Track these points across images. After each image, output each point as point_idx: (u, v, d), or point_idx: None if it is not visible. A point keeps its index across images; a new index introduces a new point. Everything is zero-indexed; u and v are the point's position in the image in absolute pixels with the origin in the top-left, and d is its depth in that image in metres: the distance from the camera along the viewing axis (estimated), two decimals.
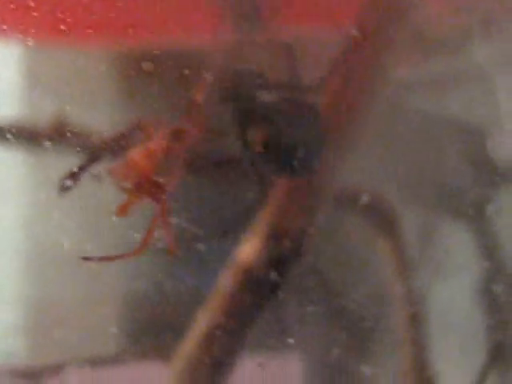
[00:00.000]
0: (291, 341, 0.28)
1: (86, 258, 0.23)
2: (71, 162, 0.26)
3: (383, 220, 0.29)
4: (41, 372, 0.29)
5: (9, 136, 0.26)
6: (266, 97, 0.24)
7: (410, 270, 0.29)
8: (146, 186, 0.24)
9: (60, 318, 0.28)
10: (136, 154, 0.24)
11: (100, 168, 0.25)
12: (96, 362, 0.28)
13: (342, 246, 0.28)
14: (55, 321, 0.28)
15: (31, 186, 0.27)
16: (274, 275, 0.26)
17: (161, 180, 0.24)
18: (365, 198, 0.28)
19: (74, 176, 0.25)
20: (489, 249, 0.28)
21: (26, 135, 0.26)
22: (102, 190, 0.25)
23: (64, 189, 0.25)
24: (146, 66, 0.24)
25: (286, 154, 0.23)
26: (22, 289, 0.29)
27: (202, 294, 0.26)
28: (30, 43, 0.28)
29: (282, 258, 0.26)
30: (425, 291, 0.29)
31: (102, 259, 0.23)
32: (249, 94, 0.24)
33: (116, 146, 0.25)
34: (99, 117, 0.26)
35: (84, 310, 0.28)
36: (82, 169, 0.25)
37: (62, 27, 0.27)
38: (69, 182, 0.25)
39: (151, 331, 0.27)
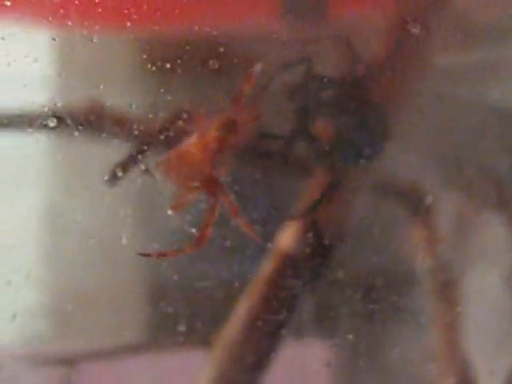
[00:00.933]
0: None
1: (143, 254, 0.23)
2: (115, 150, 0.26)
3: (419, 207, 0.29)
4: (67, 359, 0.29)
5: (51, 123, 0.26)
6: (328, 92, 0.24)
7: (442, 258, 0.29)
8: (201, 180, 0.23)
9: (90, 306, 0.28)
10: (190, 146, 0.23)
11: (150, 161, 0.24)
12: (128, 349, 0.29)
13: (378, 233, 0.29)
14: (84, 308, 0.28)
15: (77, 174, 0.27)
16: (313, 262, 0.26)
17: (215, 172, 0.23)
18: (404, 186, 0.28)
19: (123, 167, 0.24)
20: None
21: (66, 123, 0.26)
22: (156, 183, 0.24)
23: (113, 180, 0.25)
24: (213, 63, 0.24)
25: (352, 149, 0.24)
26: (53, 275, 0.29)
27: (243, 281, 0.26)
28: (65, 29, 0.29)
29: (321, 245, 0.26)
30: (457, 280, 0.30)
31: (159, 255, 0.23)
32: (312, 90, 0.24)
33: (164, 136, 0.24)
34: (137, 104, 0.26)
35: (116, 298, 0.28)
36: (130, 160, 0.25)
37: (97, 12, 0.27)
38: (118, 174, 0.24)
39: (188, 319, 0.27)
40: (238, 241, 0.26)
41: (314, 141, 0.24)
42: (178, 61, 0.26)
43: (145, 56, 0.28)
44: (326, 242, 0.26)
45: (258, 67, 0.23)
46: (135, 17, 0.27)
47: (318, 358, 0.30)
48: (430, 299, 0.29)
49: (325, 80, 0.24)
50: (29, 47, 0.27)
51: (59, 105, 0.27)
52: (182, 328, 0.27)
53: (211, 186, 0.23)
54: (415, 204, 0.29)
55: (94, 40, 0.27)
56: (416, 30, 0.25)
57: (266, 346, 0.26)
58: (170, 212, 0.23)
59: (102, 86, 0.27)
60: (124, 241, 0.25)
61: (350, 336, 0.29)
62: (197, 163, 0.23)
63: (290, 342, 0.27)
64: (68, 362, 0.28)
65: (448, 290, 0.29)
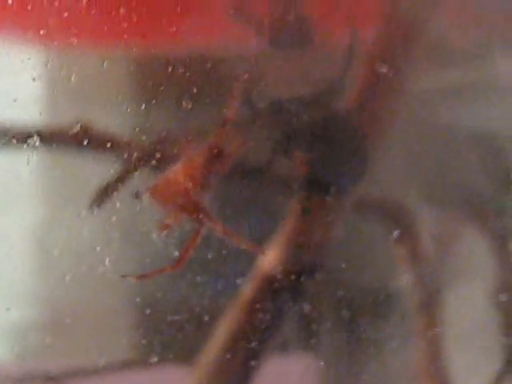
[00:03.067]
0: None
1: (124, 276, 0.24)
2: (101, 171, 0.27)
3: (401, 224, 0.29)
4: (59, 375, 0.30)
5: (35, 142, 0.27)
6: (306, 114, 0.25)
7: (426, 274, 0.30)
8: (186, 206, 0.24)
9: (80, 322, 0.29)
10: (176, 173, 0.24)
11: (138, 185, 0.25)
12: (115, 366, 0.29)
13: (360, 250, 0.29)
14: (75, 324, 0.29)
15: (64, 194, 0.28)
16: (294, 284, 0.26)
17: (200, 199, 0.24)
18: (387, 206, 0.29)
19: (106, 191, 0.25)
20: (504, 257, 0.29)
21: (52, 141, 0.27)
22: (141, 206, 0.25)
23: (96, 204, 0.25)
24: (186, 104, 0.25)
25: (329, 177, 0.25)
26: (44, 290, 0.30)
27: (224, 301, 0.27)
28: (53, 47, 0.29)
29: (302, 267, 0.26)
30: (439, 295, 0.30)
31: (139, 277, 0.24)
32: (289, 111, 0.24)
33: (153, 161, 0.25)
34: (126, 126, 0.27)
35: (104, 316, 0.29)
36: (117, 183, 0.25)
37: (85, 31, 0.28)
38: (101, 198, 0.25)
39: (172, 337, 0.28)
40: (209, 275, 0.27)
41: (291, 170, 0.25)
42: (162, 87, 0.27)
43: (135, 77, 0.29)
44: (307, 265, 0.26)
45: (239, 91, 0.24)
46: (126, 36, 0.28)
47: (300, 372, 0.31)
48: (411, 316, 0.30)
49: (304, 105, 0.25)
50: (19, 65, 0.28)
51: (47, 124, 0.28)
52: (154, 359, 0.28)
53: (196, 212, 0.24)
54: (397, 222, 0.30)
55: (86, 59, 0.28)
56: (384, 70, 0.26)
57: (248, 364, 0.27)
58: (154, 235, 0.25)
59: (91, 107, 0.28)
60: (107, 263, 0.26)
61: (332, 351, 0.30)
62: (182, 190, 0.24)
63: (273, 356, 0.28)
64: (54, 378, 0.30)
65: (430, 306, 0.30)
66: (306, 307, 0.27)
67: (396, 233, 0.28)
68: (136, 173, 0.25)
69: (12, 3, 0.26)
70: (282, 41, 0.26)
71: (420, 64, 0.28)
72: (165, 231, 0.24)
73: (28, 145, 0.26)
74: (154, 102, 0.27)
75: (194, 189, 0.24)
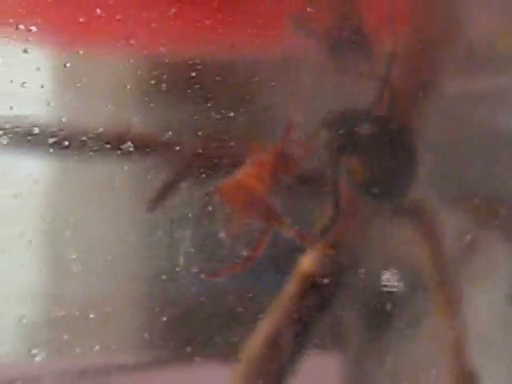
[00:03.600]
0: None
1: (197, 273, 0.25)
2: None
3: (426, 225, 0.30)
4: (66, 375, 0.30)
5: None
6: (364, 128, 0.26)
7: (448, 276, 0.31)
8: (256, 208, 0.25)
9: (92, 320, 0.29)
10: (246, 175, 0.25)
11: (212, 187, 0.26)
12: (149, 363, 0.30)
13: (386, 249, 0.30)
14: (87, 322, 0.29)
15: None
16: (331, 283, 0.28)
17: (270, 201, 0.25)
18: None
19: (163, 192, 0.26)
20: None
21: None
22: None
23: (153, 207, 0.26)
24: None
25: (382, 187, 0.25)
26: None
27: (266, 299, 0.28)
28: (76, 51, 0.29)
29: (338, 267, 0.28)
30: (462, 299, 0.31)
31: (211, 276, 0.25)
32: (349, 124, 0.25)
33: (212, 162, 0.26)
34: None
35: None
36: (171, 185, 0.26)
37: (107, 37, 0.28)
38: (159, 199, 0.26)
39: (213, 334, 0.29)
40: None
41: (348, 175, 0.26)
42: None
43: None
44: (342, 265, 0.28)
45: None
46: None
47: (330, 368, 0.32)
48: (435, 313, 0.31)
49: (362, 116, 0.26)
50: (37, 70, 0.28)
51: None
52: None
53: (266, 214, 0.25)
54: (422, 221, 0.31)
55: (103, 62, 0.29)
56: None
57: (288, 361, 0.28)
58: (222, 235, 0.25)
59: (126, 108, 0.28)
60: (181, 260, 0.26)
61: (359, 347, 0.31)
62: (254, 192, 0.25)
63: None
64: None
65: (453, 305, 0.31)
66: (340, 306, 0.28)
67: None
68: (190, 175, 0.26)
69: (101, 14, 0.26)
70: (342, 50, 0.27)
71: (459, 68, 0.29)
72: (234, 232, 0.25)
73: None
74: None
75: (263, 190, 0.25)
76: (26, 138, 0.27)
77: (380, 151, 0.26)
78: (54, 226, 0.28)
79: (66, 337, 0.28)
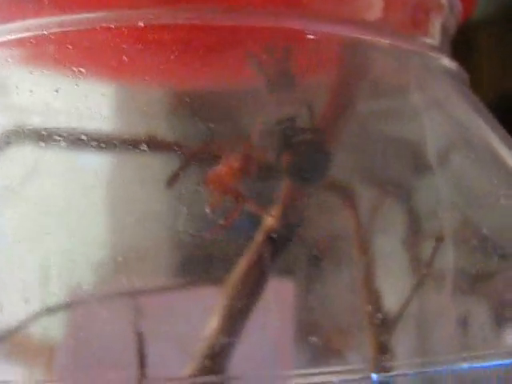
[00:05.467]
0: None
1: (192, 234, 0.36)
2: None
3: (348, 197, 0.45)
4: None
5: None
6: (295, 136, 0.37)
7: (364, 229, 0.44)
8: (230, 192, 0.34)
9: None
10: (221, 170, 0.34)
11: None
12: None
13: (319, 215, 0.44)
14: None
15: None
16: (284, 236, 0.39)
17: (238, 187, 0.34)
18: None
19: (177, 175, 0.34)
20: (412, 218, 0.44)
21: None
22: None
23: (171, 183, 0.34)
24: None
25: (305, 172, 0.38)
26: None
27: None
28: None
29: (289, 226, 0.39)
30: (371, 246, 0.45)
31: (196, 235, 0.34)
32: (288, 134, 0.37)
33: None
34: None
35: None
36: (180, 170, 0.34)
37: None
38: (174, 179, 0.34)
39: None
40: None
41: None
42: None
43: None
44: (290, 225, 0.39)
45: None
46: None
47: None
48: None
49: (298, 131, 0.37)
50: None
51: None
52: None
53: (237, 196, 0.35)
54: (345, 195, 0.44)
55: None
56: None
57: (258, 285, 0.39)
58: (207, 210, 0.34)
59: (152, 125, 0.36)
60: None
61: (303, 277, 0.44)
62: (226, 182, 0.34)
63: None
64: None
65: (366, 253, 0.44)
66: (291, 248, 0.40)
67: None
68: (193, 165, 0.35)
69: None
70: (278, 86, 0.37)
71: (364, 96, 0.42)
72: (215, 207, 0.34)
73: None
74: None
75: (235, 181, 0.34)
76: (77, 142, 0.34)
77: (307, 152, 0.38)
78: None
79: None
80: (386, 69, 0.41)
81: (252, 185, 0.36)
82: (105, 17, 0.33)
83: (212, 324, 0.37)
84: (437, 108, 0.42)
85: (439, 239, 0.40)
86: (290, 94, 0.38)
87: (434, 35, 0.42)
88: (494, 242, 0.41)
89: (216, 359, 0.38)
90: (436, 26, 0.42)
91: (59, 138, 0.34)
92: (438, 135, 0.42)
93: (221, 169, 0.34)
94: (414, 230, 0.42)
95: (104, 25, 0.32)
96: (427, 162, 0.41)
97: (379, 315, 0.42)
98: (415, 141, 0.42)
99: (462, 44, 0.45)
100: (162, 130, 0.37)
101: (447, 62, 0.41)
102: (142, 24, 0.32)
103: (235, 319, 0.38)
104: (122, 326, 0.36)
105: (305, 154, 0.37)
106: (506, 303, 0.42)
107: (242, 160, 0.34)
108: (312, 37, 0.35)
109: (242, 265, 0.38)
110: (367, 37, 0.37)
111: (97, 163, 0.36)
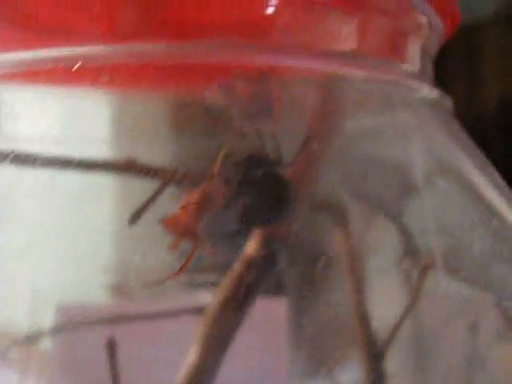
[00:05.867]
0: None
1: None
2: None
3: (340, 216, 0.43)
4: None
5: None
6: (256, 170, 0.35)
7: (355, 248, 0.43)
8: (186, 233, 0.32)
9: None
10: (179, 212, 0.32)
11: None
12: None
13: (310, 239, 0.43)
14: None
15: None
16: (267, 263, 0.37)
17: (195, 228, 0.32)
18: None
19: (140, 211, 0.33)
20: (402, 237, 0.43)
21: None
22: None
23: (133, 221, 0.33)
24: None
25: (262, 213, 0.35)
26: None
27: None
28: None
29: (272, 252, 0.37)
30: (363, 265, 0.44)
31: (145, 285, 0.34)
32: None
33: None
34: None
35: None
36: (145, 206, 0.33)
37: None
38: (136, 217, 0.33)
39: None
40: None
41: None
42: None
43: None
44: (275, 248, 0.37)
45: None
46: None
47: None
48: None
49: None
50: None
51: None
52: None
53: (193, 236, 0.33)
54: (335, 214, 0.43)
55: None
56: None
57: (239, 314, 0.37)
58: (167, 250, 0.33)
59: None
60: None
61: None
62: (183, 224, 0.32)
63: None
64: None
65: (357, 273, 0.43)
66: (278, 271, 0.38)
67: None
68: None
69: None
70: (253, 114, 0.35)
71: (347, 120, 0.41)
72: (173, 249, 0.33)
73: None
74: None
75: (191, 224, 0.32)
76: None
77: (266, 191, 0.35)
78: None
79: None
80: (363, 102, 0.40)
81: (215, 223, 0.34)
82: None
83: (191, 356, 0.37)
84: (417, 135, 0.41)
85: (428, 266, 0.39)
86: (266, 123, 0.36)
87: (413, 60, 0.40)
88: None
89: None
90: (416, 49, 0.40)
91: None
92: (424, 157, 0.40)
93: (176, 213, 0.32)
94: (404, 250, 0.41)
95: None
96: (414, 184, 0.40)
97: (370, 338, 0.41)
98: (402, 162, 0.40)
99: (463, 45, 0.43)
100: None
101: (427, 91, 0.40)
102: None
103: (215, 349, 0.37)
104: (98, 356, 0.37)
105: (263, 194, 0.35)
106: None
107: (199, 197, 0.32)
108: (282, 71, 0.34)
109: (219, 294, 0.37)
110: (341, 68, 0.35)
111: (74, 184, 0.36)
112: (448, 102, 0.43)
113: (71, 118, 0.35)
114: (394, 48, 0.39)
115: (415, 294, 0.39)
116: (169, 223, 0.32)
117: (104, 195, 0.36)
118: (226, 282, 0.37)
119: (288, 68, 0.34)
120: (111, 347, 0.37)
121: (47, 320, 0.38)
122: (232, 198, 0.34)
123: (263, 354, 0.43)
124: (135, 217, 0.33)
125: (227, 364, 0.37)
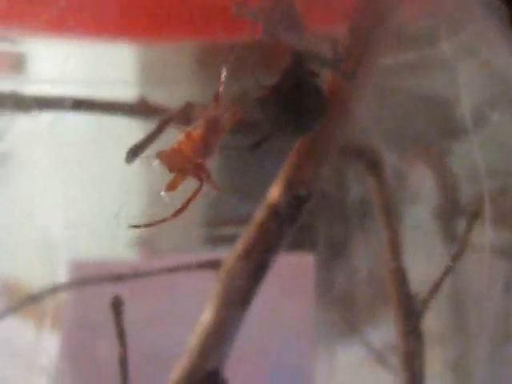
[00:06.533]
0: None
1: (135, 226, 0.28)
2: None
3: (373, 163, 0.39)
4: None
5: None
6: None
7: (390, 199, 0.39)
8: (189, 168, 0.27)
9: None
10: (180, 142, 0.27)
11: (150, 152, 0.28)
12: None
13: (341, 185, 0.39)
14: None
15: None
16: (291, 211, 0.33)
17: (201, 162, 0.27)
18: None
19: (139, 148, 0.29)
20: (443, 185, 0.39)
21: None
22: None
23: (129, 159, 0.29)
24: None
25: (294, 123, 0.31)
26: None
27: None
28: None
29: (297, 199, 0.33)
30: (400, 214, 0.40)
31: (146, 225, 0.28)
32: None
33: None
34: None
35: None
36: (144, 143, 0.29)
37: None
38: (133, 155, 0.29)
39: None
40: None
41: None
42: None
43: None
44: (300, 197, 0.33)
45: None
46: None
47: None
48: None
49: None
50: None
51: None
52: None
53: (199, 172, 0.27)
54: (369, 161, 0.39)
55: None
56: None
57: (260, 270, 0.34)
58: (163, 193, 0.27)
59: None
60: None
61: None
62: (185, 157, 0.27)
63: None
64: None
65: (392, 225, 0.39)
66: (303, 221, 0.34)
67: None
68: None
69: None
70: (277, 30, 0.30)
71: (385, 44, 0.36)
72: (173, 189, 0.27)
73: None
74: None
75: (196, 156, 0.27)
76: None
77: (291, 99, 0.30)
78: None
79: None
80: (409, 10, 0.36)
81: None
82: None
83: (204, 317, 0.33)
84: (472, 57, 0.36)
85: (475, 215, 0.34)
86: (296, 38, 0.31)
87: None
88: None
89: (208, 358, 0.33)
90: None
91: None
92: (473, 90, 0.35)
93: (180, 141, 0.28)
94: (446, 199, 0.36)
95: None
96: (461, 123, 0.35)
97: (407, 296, 0.37)
98: (446, 98, 0.36)
99: None
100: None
101: None
102: None
103: (232, 308, 0.33)
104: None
105: (291, 99, 0.30)
106: None
107: (206, 130, 0.28)
108: None
109: (239, 245, 0.34)
110: None
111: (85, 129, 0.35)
112: (503, 11, 0.37)
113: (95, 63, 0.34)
114: None
115: (460, 248, 0.34)
116: (168, 157, 0.27)
117: (120, 140, 0.33)
118: (246, 232, 0.34)
119: None
120: (116, 306, 0.33)
121: (60, 274, 0.38)
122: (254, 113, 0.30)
123: (289, 314, 0.41)
124: (132, 153, 0.29)
125: (248, 324, 0.34)
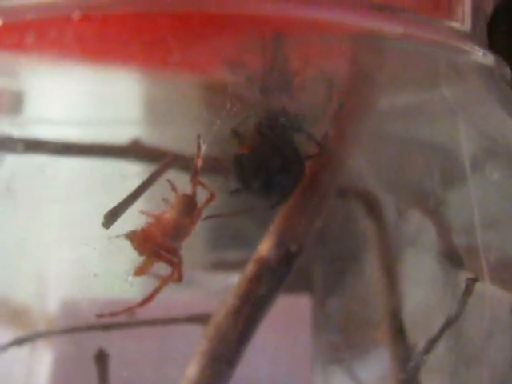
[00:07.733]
0: None
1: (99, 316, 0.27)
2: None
3: (371, 207, 0.37)
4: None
5: None
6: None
7: (389, 241, 0.38)
8: (160, 252, 0.26)
9: None
10: (151, 225, 0.27)
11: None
12: None
13: (338, 231, 0.37)
14: None
15: None
16: (282, 267, 0.32)
17: (173, 244, 0.26)
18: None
19: (115, 214, 0.28)
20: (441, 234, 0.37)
21: None
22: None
23: (108, 223, 0.27)
24: None
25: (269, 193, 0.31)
26: None
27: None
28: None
29: (288, 254, 0.32)
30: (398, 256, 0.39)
31: (112, 314, 0.27)
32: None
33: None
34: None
35: None
36: (123, 206, 0.28)
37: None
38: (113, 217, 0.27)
39: None
40: None
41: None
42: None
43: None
44: (292, 252, 0.32)
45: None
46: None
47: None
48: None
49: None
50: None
51: None
52: None
53: (170, 257, 0.27)
54: (367, 205, 0.38)
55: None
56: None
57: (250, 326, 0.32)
58: (130, 278, 0.26)
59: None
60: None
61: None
62: (156, 240, 0.26)
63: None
64: None
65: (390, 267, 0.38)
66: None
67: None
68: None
69: None
70: (270, 88, 0.30)
71: (382, 92, 0.34)
72: (141, 274, 0.26)
73: None
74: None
75: (166, 239, 0.26)
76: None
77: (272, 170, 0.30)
78: None
79: None
80: (401, 64, 0.34)
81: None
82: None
83: (190, 372, 0.32)
84: (466, 112, 0.34)
85: (472, 280, 0.33)
86: (287, 92, 0.31)
87: (462, 18, 0.33)
88: None
89: None
90: (466, 5, 0.33)
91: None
92: (469, 141, 0.34)
93: (147, 227, 0.27)
94: (443, 249, 0.35)
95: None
96: (458, 169, 0.33)
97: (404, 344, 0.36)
98: (446, 145, 0.34)
99: None
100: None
101: (479, 54, 0.32)
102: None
103: (218, 367, 0.32)
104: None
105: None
106: None
107: (177, 209, 0.27)
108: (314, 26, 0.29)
109: (229, 300, 0.33)
110: (377, 23, 0.28)
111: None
112: (506, 70, 0.35)
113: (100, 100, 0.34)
114: (440, 2, 0.32)
115: (459, 308, 0.33)
116: (138, 239, 0.26)
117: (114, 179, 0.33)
118: (236, 287, 0.33)
119: (312, 23, 0.28)
120: (101, 359, 0.32)
121: (52, 308, 0.37)
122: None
123: (286, 354, 0.40)
124: (110, 217, 0.28)
125: (244, 364, 0.33)
